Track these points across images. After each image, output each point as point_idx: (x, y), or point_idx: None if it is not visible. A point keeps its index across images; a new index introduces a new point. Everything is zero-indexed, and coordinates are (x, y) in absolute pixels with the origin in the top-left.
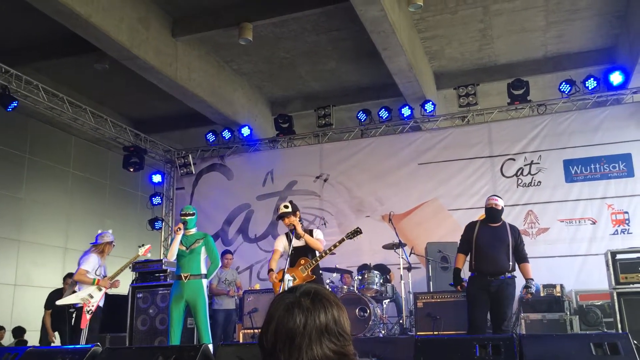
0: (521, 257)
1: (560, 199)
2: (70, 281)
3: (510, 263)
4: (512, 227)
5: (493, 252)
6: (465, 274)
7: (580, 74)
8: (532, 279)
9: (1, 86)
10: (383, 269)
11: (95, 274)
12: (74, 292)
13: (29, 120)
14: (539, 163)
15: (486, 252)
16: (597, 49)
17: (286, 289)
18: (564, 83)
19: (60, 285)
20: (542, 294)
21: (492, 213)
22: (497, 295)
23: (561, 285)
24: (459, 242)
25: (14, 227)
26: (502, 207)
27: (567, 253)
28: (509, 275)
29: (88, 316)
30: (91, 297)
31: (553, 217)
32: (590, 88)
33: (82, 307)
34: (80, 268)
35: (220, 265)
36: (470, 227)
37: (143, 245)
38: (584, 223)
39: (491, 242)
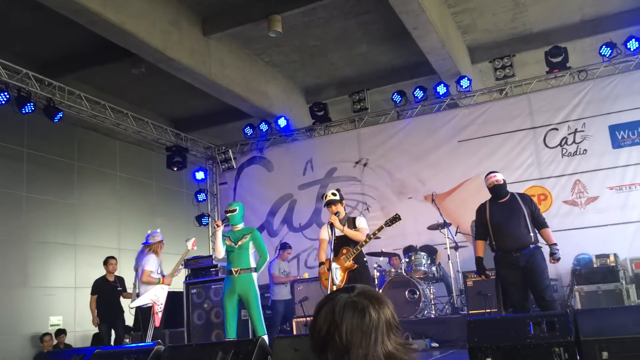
0: (540, 224)
1: (608, 166)
2: (135, 282)
3: (532, 234)
4: (523, 196)
5: (511, 228)
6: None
7: (621, 36)
8: (556, 244)
9: (46, 99)
10: (430, 250)
11: (157, 273)
12: (138, 293)
13: (75, 129)
14: (583, 131)
15: (504, 230)
16: (636, 7)
17: (335, 278)
18: (604, 46)
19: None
20: (595, 265)
21: (497, 189)
22: (528, 269)
23: (615, 255)
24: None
25: (70, 232)
26: (504, 180)
27: (619, 221)
28: (533, 246)
29: (160, 315)
30: (158, 295)
31: (602, 185)
32: (632, 49)
33: (150, 307)
34: (145, 269)
35: (277, 256)
36: (480, 210)
37: (189, 239)
38: (634, 189)
39: (506, 218)
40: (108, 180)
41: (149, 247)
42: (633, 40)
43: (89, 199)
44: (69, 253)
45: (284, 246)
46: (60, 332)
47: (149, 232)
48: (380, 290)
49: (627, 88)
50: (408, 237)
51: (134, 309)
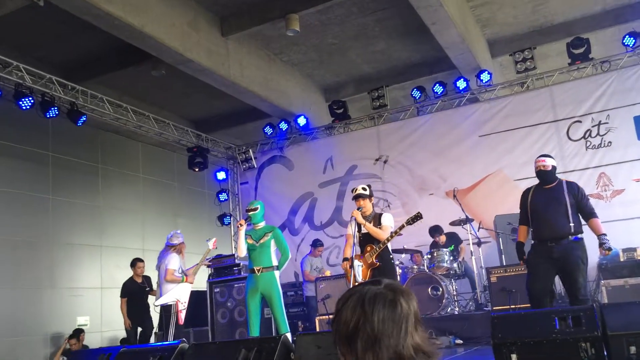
0: (587, 214)
1: (633, 158)
2: (159, 281)
3: (572, 224)
4: (570, 184)
5: (550, 216)
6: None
7: None
8: (605, 234)
9: (69, 103)
10: (456, 239)
11: (179, 272)
12: (161, 292)
13: (98, 132)
14: (607, 123)
15: (543, 217)
16: None
17: (357, 275)
18: (627, 36)
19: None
20: (621, 259)
21: (542, 175)
22: (562, 262)
23: None
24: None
25: (95, 234)
26: (553, 166)
27: None
28: (574, 237)
29: (183, 313)
30: (182, 294)
31: (627, 178)
32: None
33: (174, 305)
34: (168, 268)
35: (309, 253)
36: (524, 194)
37: (210, 239)
38: None
39: (546, 205)
40: (131, 182)
41: (172, 247)
42: None
43: (113, 201)
44: (95, 254)
45: (316, 243)
46: (80, 332)
47: (171, 232)
48: None
49: None
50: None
51: (158, 307)
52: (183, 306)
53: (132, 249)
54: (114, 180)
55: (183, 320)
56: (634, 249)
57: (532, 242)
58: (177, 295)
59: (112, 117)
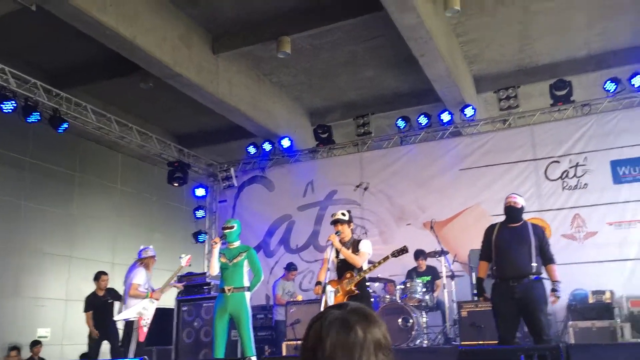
0: (547, 258)
1: (608, 202)
2: (124, 296)
3: (535, 264)
4: (535, 226)
5: (514, 254)
6: None
7: (626, 72)
8: (559, 282)
9: (52, 109)
10: (434, 273)
11: (145, 288)
12: (125, 307)
13: (79, 140)
14: (584, 165)
15: (506, 255)
16: None
17: (329, 300)
18: (608, 81)
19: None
20: (590, 301)
21: (511, 212)
22: (523, 302)
23: (611, 291)
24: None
25: (66, 243)
26: (522, 206)
27: (617, 257)
28: (535, 277)
29: (145, 329)
30: (146, 310)
31: (601, 220)
32: (636, 86)
33: (136, 321)
34: (132, 283)
35: (282, 276)
36: (489, 230)
37: (183, 256)
38: (634, 226)
39: (511, 244)
40: (108, 193)
41: (140, 260)
42: (638, 76)
43: (87, 211)
44: (63, 264)
45: (290, 267)
46: (36, 343)
47: (142, 247)
48: None
49: (630, 124)
50: (405, 264)
51: (121, 322)
52: (145, 322)
53: (101, 261)
54: (90, 189)
55: (144, 338)
56: (603, 292)
57: (493, 280)
58: (141, 310)
59: (95, 126)
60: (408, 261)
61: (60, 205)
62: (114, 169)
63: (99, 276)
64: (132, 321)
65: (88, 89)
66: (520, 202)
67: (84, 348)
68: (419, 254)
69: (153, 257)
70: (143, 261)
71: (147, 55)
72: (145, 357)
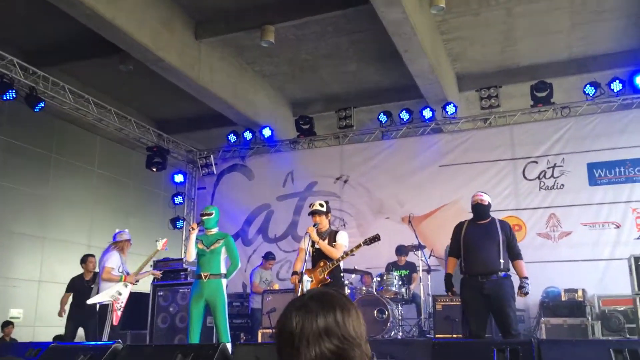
0: (514, 254)
1: (583, 203)
2: (92, 266)
3: (502, 261)
4: (503, 223)
5: (482, 251)
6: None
7: (606, 76)
8: (527, 278)
9: (29, 87)
10: (412, 267)
11: (119, 271)
12: (98, 290)
13: (55, 120)
14: (562, 166)
15: (475, 252)
16: (622, 50)
17: (304, 289)
18: (588, 85)
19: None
20: (563, 299)
21: (479, 209)
22: (492, 297)
23: (583, 290)
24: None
25: (39, 224)
26: (489, 202)
27: (590, 257)
28: (503, 274)
29: (119, 313)
30: (119, 294)
31: (576, 221)
32: (615, 90)
33: (110, 305)
34: (105, 266)
35: (259, 265)
36: (457, 227)
37: (160, 239)
38: (607, 227)
39: (480, 241)
40: (85, 176)
41: (114, 244)
42: (617, 81)
43: (63, 193)
44: (36, 245)
45: (268, 256)
46: (8, 324)
47: (117, 230)
48: None
49: (607, 128)
50: (382, 257)
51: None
52: (119, 306)
53: (77, 243)
54: (66, 171)
55: (118, 321)
56: (575, 290)
57: (462, 276)
58: (115, 294)
59: (72, 107)
60: (391, 256)
61: (35, 186)
62: (91, 152)
63: (85, 259)
64: (106, 305)
65: (66, 68)
66: (486, 199)
67: (58, 330)
68: (401, 251)
69: (128, 240)
70: (117, 244)
71: (128, 37)
72: (119, 340)
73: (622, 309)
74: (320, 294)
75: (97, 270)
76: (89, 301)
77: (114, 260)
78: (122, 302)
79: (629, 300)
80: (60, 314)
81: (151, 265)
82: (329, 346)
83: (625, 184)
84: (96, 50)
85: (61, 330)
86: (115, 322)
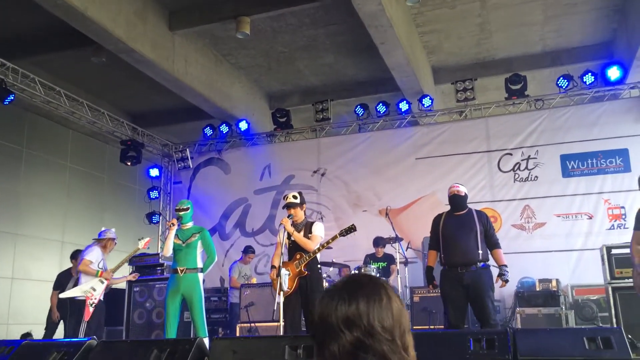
0: (492, 243)
1: (557, 194)
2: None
3: (481, 252)
4: (480, 213)
5: (460, 242)
6: None
7: (578, 69)
8: (506, 265)
9: None
10: (390, 259)
11: (98, 266)
12: (76, 284)
13: (26, 114)
14: (536, 158)
15: (453, 243)
16: (595, 43)
17: (283, 283)
18: (561, 78)
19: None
20: (537, 289)
21: (456, 200)
22: (471, 288)
23: (557, 280)
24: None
25: (11, 220)
26: (465, 193)
27: (564, 248)
28: (482, 264)
29: (91, 309)
30: (94, 289)
31: (549, 212)
32: (587, 83)
33: (84, 300)
34: (85, 258)
35: (239, 260)
36: (436, 219)
37: (142, 238)
38: (580, 218)
39: (457, 232)
40: (57, 170)
41: (98, 240)
42: (589, 74)
43: (35, 188)
44: (8, 242)
45: (247, 250)
46: None
47: (103, 228)
48: None
49: (580, 120)
50: (360, 250)
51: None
52: (92, 302)
53: (50, 239)
54: (38, 166)
55: (89, 317)
56: (550, 280)
57: (442, 267)
58: (88, 289)
59: (43, 99)
60: (368, 248)
61: (6, 181)
62: (64, 146)
63: (76, 255)
64: (80, 300)
65: (37, 60)
66: (463, 190)
67: (31, 327)
68: (379, 243)
69: (113, 239)
70: (101, 241)
71: (100, 29)
72: (95, 337)
73: (594, 298)
74: (349, 280)
75: (59, 266)
76: (62, 295)
77: (94, 255)
78: (95, 299)
79: (601, 290)
80: (55, 316)
81: (127, 263)
82: (349, 338)
83: (597, 176)
84: (68, 42)
85: (35, 328)
86: (86, 318)
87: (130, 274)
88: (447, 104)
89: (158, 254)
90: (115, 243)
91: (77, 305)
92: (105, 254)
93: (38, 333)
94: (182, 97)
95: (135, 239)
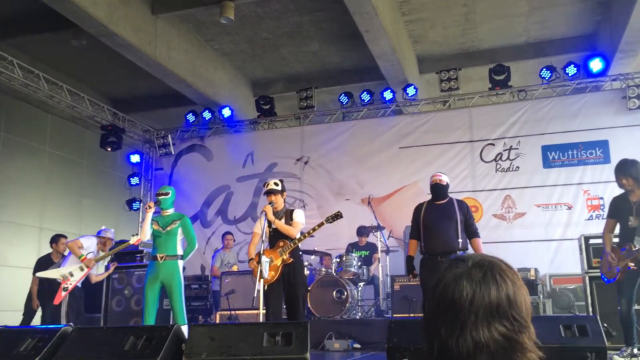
0: (471, 232)
1: (537, 184)
2: (62, 247)
3: (461, 240)
4: (460, 202)
5: (441, 231)
6: None
7: (561, 61)
8: None
9: None
10: (373, 248)
11: (86, 252)
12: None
13: (4, 97)
14: (517, 148)
15: (434, 231)
16: (578, 35)
17: (264, 270)
18: (544, 69)
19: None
20: None
21: (437, 189)
22: None
23: (535, 269)
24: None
25: None
26: (447, 183)
27: (543, 237)
28: (461, 253)
29: (64, 293)
30: (71, 275)
31: (530, 202)
32: (570, 75)
33: (59, 283)
34: (77, 239)
35: (221, 248)
36: (417, 209)
37: (136, 234)
38: (560, 208)
39: (438, 220)
40: (36, 155)
41: (99, 237)
42: (572, 66)
43: (13, 173)
44: None
45: (224, 235)
46: None
47: (103, 227)
48: (309, 289)
49: (561, 111)
50: (342, 238)
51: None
52: (66, 287)
53: (28, 226)
54: (16, 151)
55: (58, 301)
56: (528, 270)
57: (422, 256)
58: (65, 274)
59: (22, 82)
60: (351, 237)
61: None
62: (43, 130)
63: (57, 239)
64: (57, 283)
65: (15, 42)
66: (445, 179)
67: (9, 315)
68: (363, 232)
69: (111, 239)
70: (101, 239)
71: (80, 10)
72: (71, 323)
73: (572, 287)
74: (485, 262)
75: (66, 253)
76: (39, 274)
77: (88, 243)
78: (70, 284)
79: (578, 279)
80: (35, 305)
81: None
82: (499, 327)
83: (577, 167)
84: (47, 23)
85: (12, 315)
86: (55, 302)
87: (110, 262)
88: (431, 93)
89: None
90: (113, 243)
91: (54, 288)
92: (100, 250)
93: (16, 320)
94: (164, 82)
95: (115, 225)
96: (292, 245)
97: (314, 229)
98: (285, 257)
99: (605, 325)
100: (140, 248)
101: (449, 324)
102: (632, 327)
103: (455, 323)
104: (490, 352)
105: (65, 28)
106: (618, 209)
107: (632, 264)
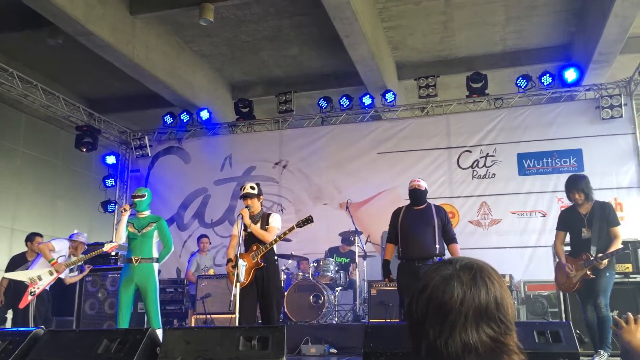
0: (449, 238)
1: (512, 192)
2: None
3: (438, 246)
4: (438, 208)
5: (418, 236)
6: None
7: (537, 70)
8: None
9: None
10: (353, 257)
11: (57, 256)
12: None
13: None
14: (494, 156)
15: (411, 236)
16: (553, 45)
17: (240, 274)
18: (520, 78)
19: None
20: None
21: (416, 194)
22: None
23: (510, 276)
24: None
25: None
26: (425, 188)
27: (518, 244)
28: (438, 259)
29: (30, 297)
30: (40, 279)
31: (505, 209)
32: (545, 84)
33: (27, 287)
34: (50, 242)
35: (197, 251)
36: (395, 213)
37: (111, 242)
38: (534, 215)
39: (416, 226)
40: (9, 155)
41: (71, 241)
42: (547, 75)
43: None
44: None
45: (199, 238)
46: None
47: (75, 231)
48: (286, 293)
49: (537, 120)
50: (320, 243)
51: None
52: (33, 290)
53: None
54: None
55: (24, 305)
56: (503, 276)
57: (399, 261)
58: (33, 277)
59: None
60: (329, 242)
61: None
62: (16, 130)
63: (32, 237)
64: (24, 285)
65: None
66: (423, 185)
67: None
68: (347, 241)
69: (83, 243)
70: (73, 242)
71: (56, 9)
72: (43, 326)
73: (545, 293)
74: (473, 265)
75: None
76: (7, 274)
77: (60, 246)
78: (37, 288)
79: (552, 286)
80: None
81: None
82: (488, 331)
83: (552, 175)
84: (22, 21)
85: None
86: (20, 305)
87: (84, 263)
88: (409, 99)
89: (111, 242)
90: (85, 247)
91: (21, 290)
92: (72, 254)
93: None
94: (142, 83)
95: (89, 228)
96: (264, 249)
97: (284, 233)
98: (256, 260)
99: (578, 331)
100: (115, 251)
101: (437, 325)
102: (607, 331)
103: (445, 324)
104: (478, 353)
105: (41, 26)
106: (568, 222)
107: (590, 272)
